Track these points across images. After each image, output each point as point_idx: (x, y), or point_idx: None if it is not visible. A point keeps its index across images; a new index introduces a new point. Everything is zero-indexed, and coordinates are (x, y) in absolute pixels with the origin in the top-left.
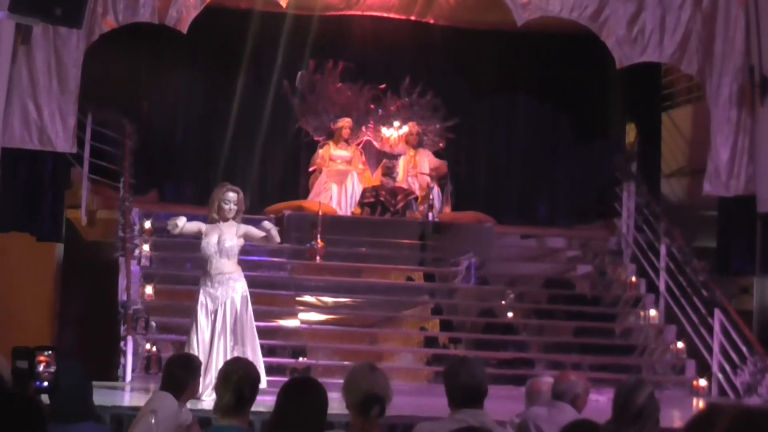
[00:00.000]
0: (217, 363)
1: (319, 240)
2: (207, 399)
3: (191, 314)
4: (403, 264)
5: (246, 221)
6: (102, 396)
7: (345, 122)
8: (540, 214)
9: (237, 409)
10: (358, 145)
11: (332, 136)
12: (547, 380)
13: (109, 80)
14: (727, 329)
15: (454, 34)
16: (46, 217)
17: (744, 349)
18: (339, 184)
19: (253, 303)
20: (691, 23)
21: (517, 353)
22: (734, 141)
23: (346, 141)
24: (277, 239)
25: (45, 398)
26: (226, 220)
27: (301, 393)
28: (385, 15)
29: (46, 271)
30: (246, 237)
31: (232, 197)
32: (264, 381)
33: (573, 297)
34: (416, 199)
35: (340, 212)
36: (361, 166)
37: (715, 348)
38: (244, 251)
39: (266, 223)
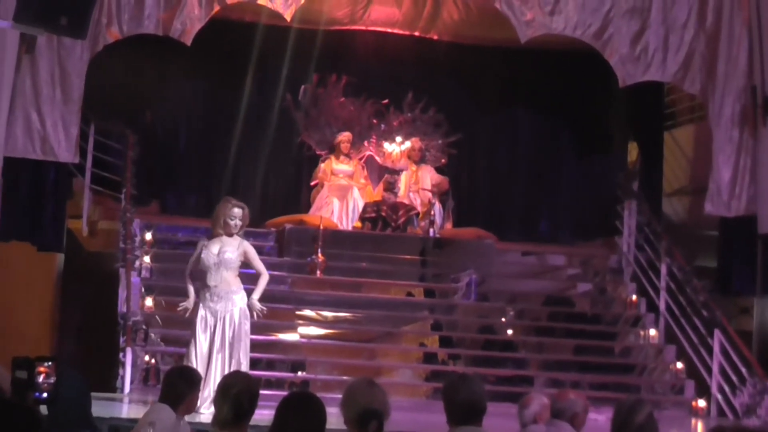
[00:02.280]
0: (215, 376)
1: (319, 254)
2: (205, 412)
3: (191, 327)
4: (403, 279)
5: (247, 234)
6: (100, 407)
7: (344, 136)
8: (541, 231)
9: (235, 422)
10: (360, 159)
11: (334, 150)
12: (537, 396)
13: (112, 91)
14: (727, 350)
15: (457, 50)
16: (47, 227)
17: (743, 370)
18: (340, 199)
19: (252, 316)
20: (695, 43)
21: (516, 370)
22: (736, 161)
23: (347, 155)
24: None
25: (44, 409)
26: (230, 235)
27: (300, 408)
28: (389, 30)
29: (46, 281)
30: (244, 256)
31: (237, 213)
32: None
33: (573, 315)
34: (417, 214)
35: (341, 227)
36: (362, 180)
37: (715, 368)
38: (243, 264)
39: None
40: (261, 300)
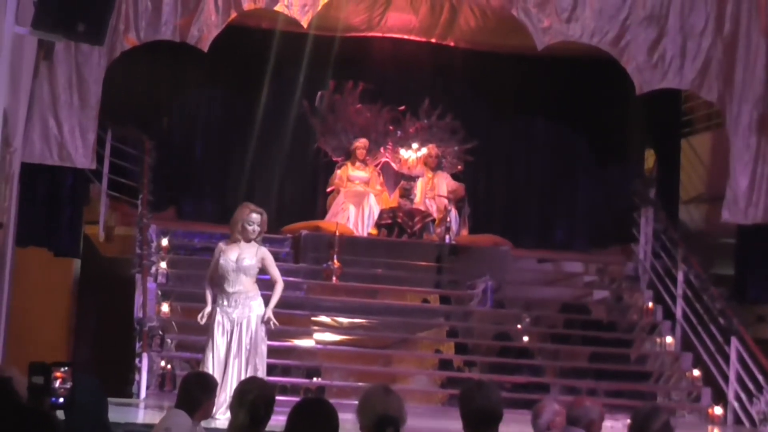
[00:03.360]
0: (232, 382)
1: (335, 260)
2: (221, 418)
3: (207, 332)
4: (419, 286)
5: (264, 240)
6: (116, 412)
7: (360, 143)
8: (557, 238)
9: (251, 428)
10: (377, 166)
11: (350, 156)
12: (550, 403)
13: (129, 97)
14: (744, 358)
15: (474, 57)
16: (64, 232)
17: (760, 378)
18: (356, 205)
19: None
20: (712, 50)
21: (532, 377)
22: (753, 169)
23: (363, 161)
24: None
25: (60, 414)
26: (248, 241)
27: (312, 414)
28: (405, 37)
29: (63, 287)
30: (262, 262)
31: (255, 219)
32: None
33: (589, 322)
34: (433, 221)
35: (357, 233)
36: (378, 187)
37: (731, 376)
38: (261, 270)
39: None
40: (276, 306)
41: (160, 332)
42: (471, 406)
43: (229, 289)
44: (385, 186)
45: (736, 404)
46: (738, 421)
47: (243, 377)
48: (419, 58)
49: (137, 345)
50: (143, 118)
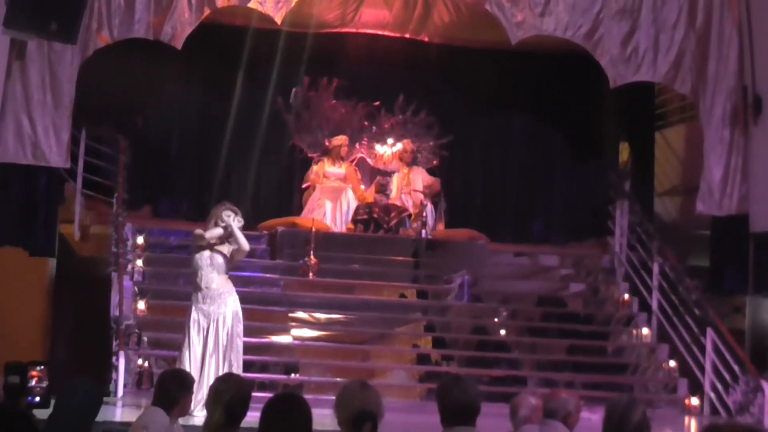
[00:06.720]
0: (208, 379)
1: (312, 256)
2: (198, 415)
3: (184, 330)
4: (396, 281)
5: None
6: None
7: (342, 140)
8: (534, 232)
9: (228, 426)
10: (352, 162)
11: (327, 152)
12: (526, 398)
13: (103, 95)
14: (720, 348)
15: (448, 52)
16: (39, 231)
17: (736, 368)
18: (333, 201)
19: (245, 319)
20: (685, 43)
21: (509, 371)
22: (727, 160)
23: (342, 159)
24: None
25: (39, 413)
26: None
27: (284, 409)
28: (379, 32)
29: (38, 286)
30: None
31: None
32: None
33: (566, 315)
34: (410, 216)
35: (334, 229)
36: (361, 187)
37: (707, 367)
38: (237, 267)
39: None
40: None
41: (137, 330)
42: (448, 400)
43: (203, 285)
44: (361, 181)
45: (712, 395)
46: (714, 411)
47: (220, 374)
48: (393, 54)
49: (114, 343)
50: (118, 116)
